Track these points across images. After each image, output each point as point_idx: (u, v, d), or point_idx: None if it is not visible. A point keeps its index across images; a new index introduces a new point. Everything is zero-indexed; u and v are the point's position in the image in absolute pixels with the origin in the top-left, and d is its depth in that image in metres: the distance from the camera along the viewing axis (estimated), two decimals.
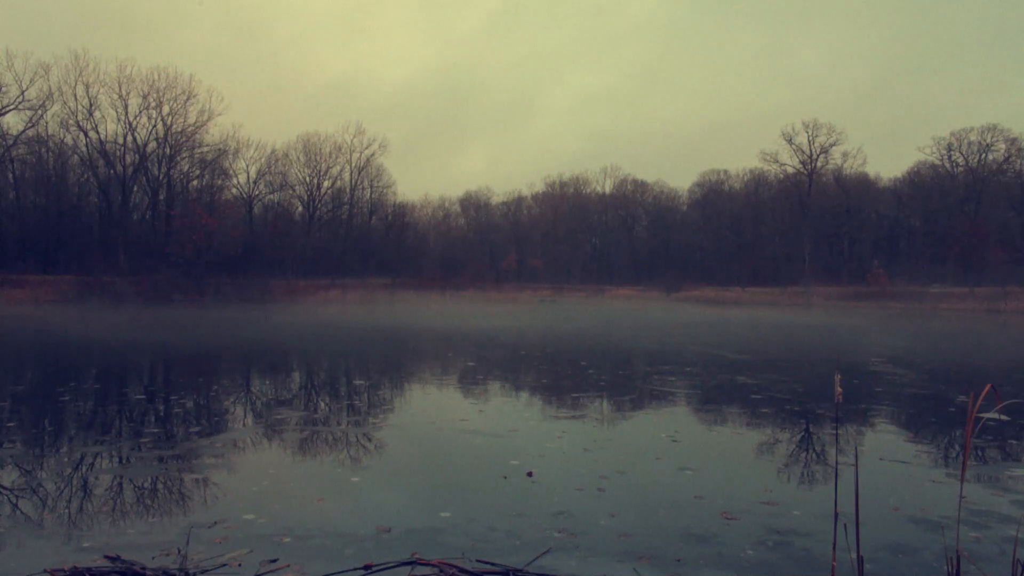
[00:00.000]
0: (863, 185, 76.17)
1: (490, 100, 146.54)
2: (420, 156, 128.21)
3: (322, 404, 9.88)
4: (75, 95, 55.36)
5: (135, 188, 59.68)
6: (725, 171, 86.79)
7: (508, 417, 8.73)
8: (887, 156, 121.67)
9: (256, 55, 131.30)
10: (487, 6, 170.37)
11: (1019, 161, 66.80)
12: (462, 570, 3.62)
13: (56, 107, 56.07)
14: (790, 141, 74.07)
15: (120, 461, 6.28)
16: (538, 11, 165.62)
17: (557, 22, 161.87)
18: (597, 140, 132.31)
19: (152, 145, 58.51)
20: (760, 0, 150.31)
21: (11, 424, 7.94)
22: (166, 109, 58.05)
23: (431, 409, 9.46)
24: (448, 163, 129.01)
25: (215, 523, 4.50)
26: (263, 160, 68.07)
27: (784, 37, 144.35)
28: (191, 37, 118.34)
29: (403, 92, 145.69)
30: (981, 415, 8.28)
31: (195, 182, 62.70)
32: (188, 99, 58.27)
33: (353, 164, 72.18)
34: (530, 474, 5.80)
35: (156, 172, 59.51)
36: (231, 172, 65.80)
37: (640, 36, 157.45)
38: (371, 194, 74.05)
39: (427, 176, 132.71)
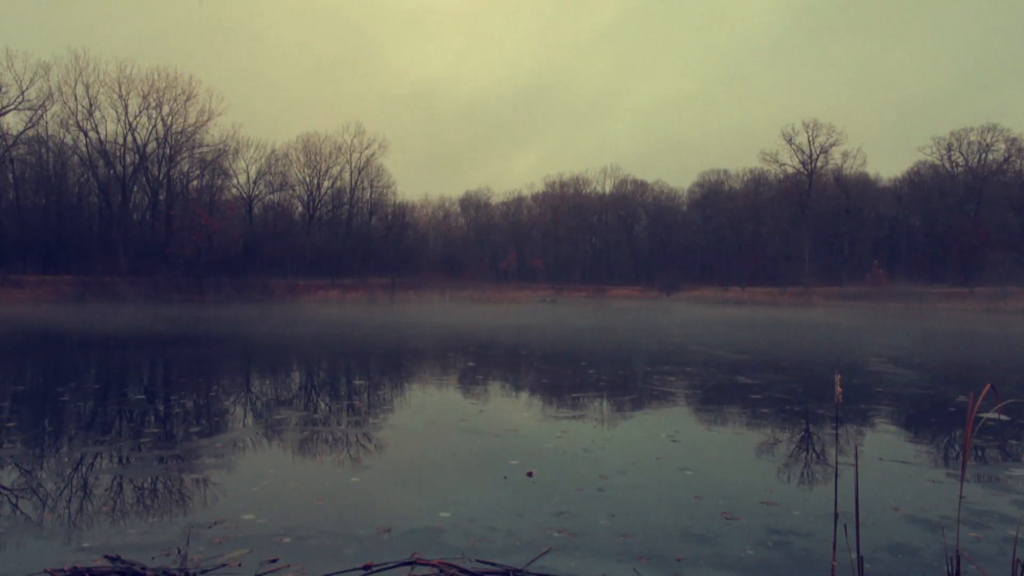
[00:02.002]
0: (863, 185, 76.15)
1: (568, 103, 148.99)
2: (488, 156, 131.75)
3: (322, 404, 9.88)
4: (75, 95, 55.45)
5: (135, 188, 59.74)
6: (725, 171, 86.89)
7: (508, 417, 8.73)
8: (888, 156, 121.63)
9: (367, 57, 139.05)
10: (597, 20, 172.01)
11: (1019, 161, 66.82)
12: (462, 570, 3.62)
13: (56, 107, 56.23)
14: (790, 141, 74.18)
15: (120, 461, 6.28)
16: (647, 22, 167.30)
17: (661, 33, 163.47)
18: (664, 142, 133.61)
19: (152, 145, 58.61)
20: (856, 15, 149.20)
21: (11, 424, 7.94)
22: (166, 109, 58.20)
23: (431, 409, 9.46)
24: (514, 164, 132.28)
25: (215, 523, 4.50)
26: (263, 160, 68.20)
27: (873, 50, 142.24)
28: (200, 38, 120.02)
29: (487, 95, 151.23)
30: (981, 415, 8.28)
31: (195, 182, 62.76)
32: (188, 99, 58.42)
33: (353, 164, 72.28)
34: (530, 474, 5.80)
35: (156, 172, 59.55)
36: (231, 172, 65.90)
37: (735, 46, 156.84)
38: (371, 194, 74.14)
39: (493, 177, 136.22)
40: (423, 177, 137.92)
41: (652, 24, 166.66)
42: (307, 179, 70.98)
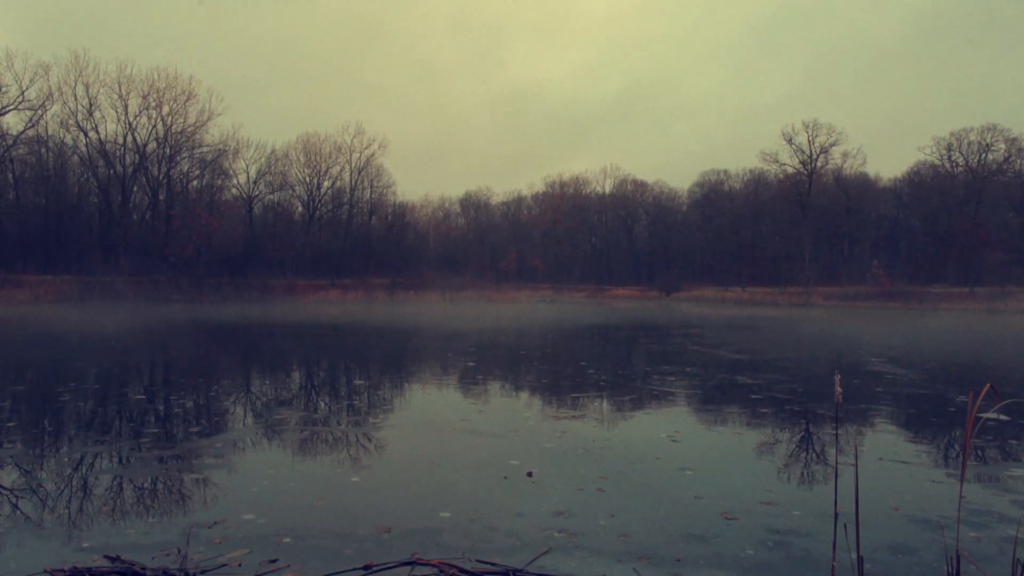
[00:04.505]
0: (863, 185, 76.17)
1: (660, 109, 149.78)
2: (560, 157, 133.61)
3: (322, 404, 9.88)
4: (75, 95, 55.46)
5: (135, 188, 59.73)
6: (725, 171, 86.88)
7: (508, 417, 8.73)
8: (889, 156, 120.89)
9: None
10: (721, 31, 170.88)
11: (1019, 161, 66.82)
12: (462, 570, 3.62)
13: (56, 107, 56.26)
14: (790, 141, 74.10)
15: (120, 461, 6.28)
16: (769, 32, 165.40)
17: (778, 43, 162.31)
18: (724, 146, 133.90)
19: (152, 145, 58.59)
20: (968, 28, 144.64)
21: (11, 424, 7.94)
22: (166, 109, 58.20)
23: (431, 409, 9.46)
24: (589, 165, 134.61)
25: (215, 523, 4.50)
26: (263, 160, 68.20)
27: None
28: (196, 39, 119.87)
29: (585, 99, 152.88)
30: (981, 415, 8.29)
31: (195, 182, 62.76)
32: (188, 99, 58.42)
33: (353, 164, 72.29)
34: (530, 474, 5.80)
35: (156, 172, 59.54)
36: (231, 172, 65.90)
37: (842, 55, 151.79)
38: (371, 194, 74.13)
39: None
40: (497, 174, 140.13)
41: (772, 34, 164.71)
42: (307, 179, 71.05)
